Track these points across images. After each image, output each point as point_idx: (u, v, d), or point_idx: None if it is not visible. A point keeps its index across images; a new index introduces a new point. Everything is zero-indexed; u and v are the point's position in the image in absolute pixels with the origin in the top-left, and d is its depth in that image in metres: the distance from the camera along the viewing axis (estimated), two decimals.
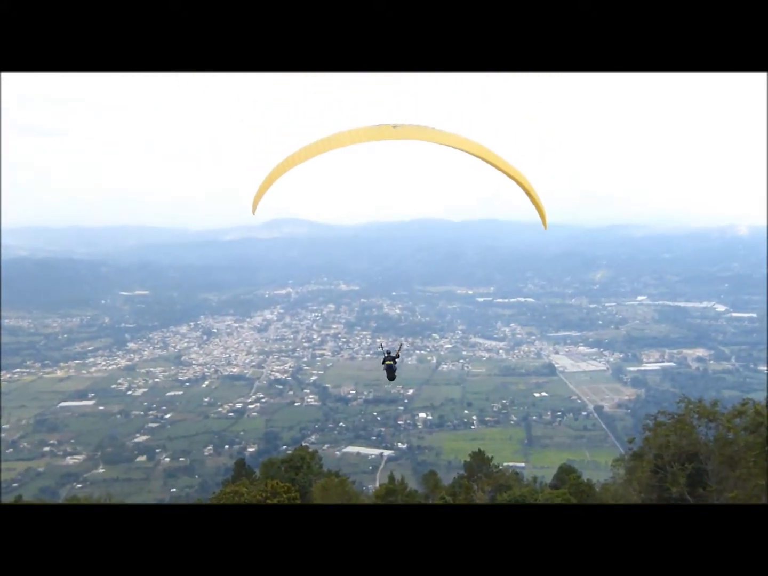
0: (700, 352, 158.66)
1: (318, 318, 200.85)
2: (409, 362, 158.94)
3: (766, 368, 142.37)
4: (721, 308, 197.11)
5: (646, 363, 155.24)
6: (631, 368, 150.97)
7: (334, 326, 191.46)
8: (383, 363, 19.66)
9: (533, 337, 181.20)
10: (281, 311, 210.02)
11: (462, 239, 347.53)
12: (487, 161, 14.47)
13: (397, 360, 19.79)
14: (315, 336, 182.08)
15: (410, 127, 13.30)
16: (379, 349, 20.31)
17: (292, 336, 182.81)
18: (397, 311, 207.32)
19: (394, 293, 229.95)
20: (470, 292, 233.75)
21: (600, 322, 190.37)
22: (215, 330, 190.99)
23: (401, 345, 21.76)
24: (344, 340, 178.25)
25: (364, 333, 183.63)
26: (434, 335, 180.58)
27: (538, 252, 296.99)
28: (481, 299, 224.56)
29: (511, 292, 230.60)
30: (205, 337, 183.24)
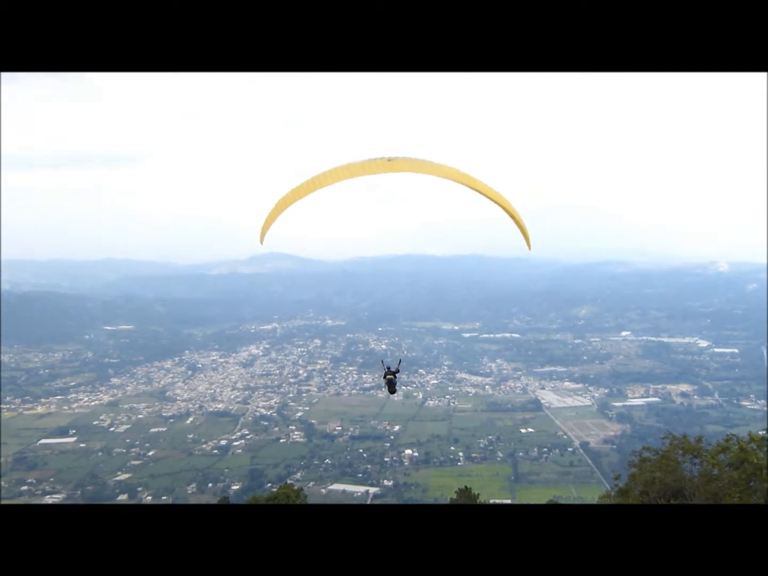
0: (684, 387, 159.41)
1: (304, 353, 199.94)
2: (395, 398, 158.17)
3: (748, 404, 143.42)
4: (703, 344, 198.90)
5: (631, 398, 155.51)
6: (617, 403, 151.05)
7: (320, 362, 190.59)
8: (384, 377, 20.03)
9: (519, 372, 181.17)
10: (267, 346, 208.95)
11: (448, 275, 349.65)
12: (476, 189, 14.84)
13: (397, 374, 20.18)
14: (301, 371, 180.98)
15: (404, 159, 13.72)
16: (383, 366, 20.80)
17: (277, 371, 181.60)
18: (383, 347, 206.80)
19: (380, 328, 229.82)
20: (456, 328, 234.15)
21: (585, 358, 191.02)
22: (200, 365, 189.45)
23: (400, 361, 22.12)
24: (330, 375, 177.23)
25: (351, 368, 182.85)
26: (420, 371, 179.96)
27: (523, 288, 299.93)
28: (467, 335, 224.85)
29: (496, 328, 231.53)
30: (189, 373, 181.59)
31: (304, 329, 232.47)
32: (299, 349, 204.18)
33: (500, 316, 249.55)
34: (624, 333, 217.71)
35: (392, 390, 20.90)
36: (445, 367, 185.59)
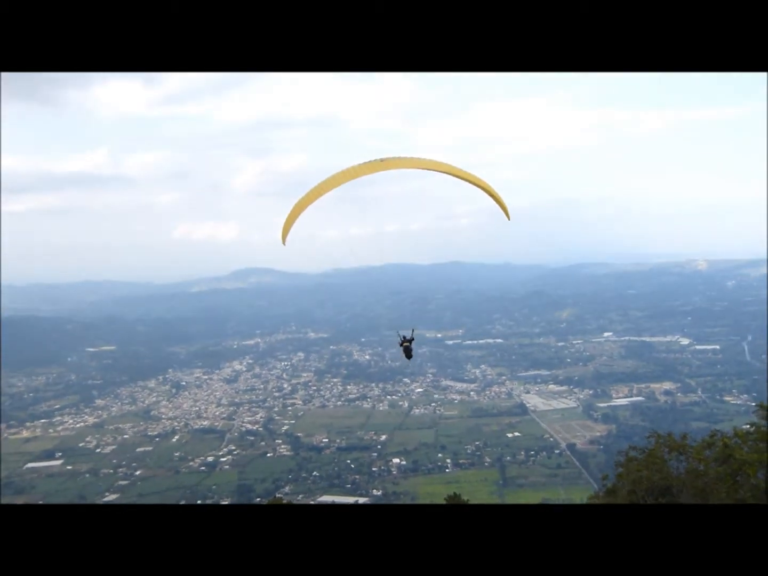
0: (668, 385, 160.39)
1: (287, 367, 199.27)
2: (380, 408, 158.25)
3: (731, 399, 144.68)
4: (685, 341, 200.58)
5: (616, 398, 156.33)
6: (601, 404, 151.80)
7: (305, 375, 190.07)
8: (401, 345, 22.81)
9: (503, 377, 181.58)
10: (250, 361, 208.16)
11: (429, 283, 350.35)
12: (462, 178, 15.97)
13: (412, 342, 22.82)
14: (285, 385, 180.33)
15: (394, 158, 14.69)
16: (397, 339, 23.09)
17: (262, 386, 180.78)
18: (367, 357, 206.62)
19: (363, 339, 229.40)
20: (439, 336, 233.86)
21: (568, 360, 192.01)
22: (184, 383, 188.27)
23: (413, 330, 23.72)
24: (315, 388, 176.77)
25: (335, 380, 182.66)
26: (405, 380, 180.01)
27: (504, 293, 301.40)
28: (450, 342, 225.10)
29: (479, 334, 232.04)
30: (174, 391, 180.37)
31: (287, 343, 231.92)
32: (283, 363, 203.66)
33: (483, 323, 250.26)
34: (606, 334, 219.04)
35: (409, 356, 22.91)
36: (430, 375, 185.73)
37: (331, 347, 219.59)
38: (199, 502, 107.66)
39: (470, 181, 16.30)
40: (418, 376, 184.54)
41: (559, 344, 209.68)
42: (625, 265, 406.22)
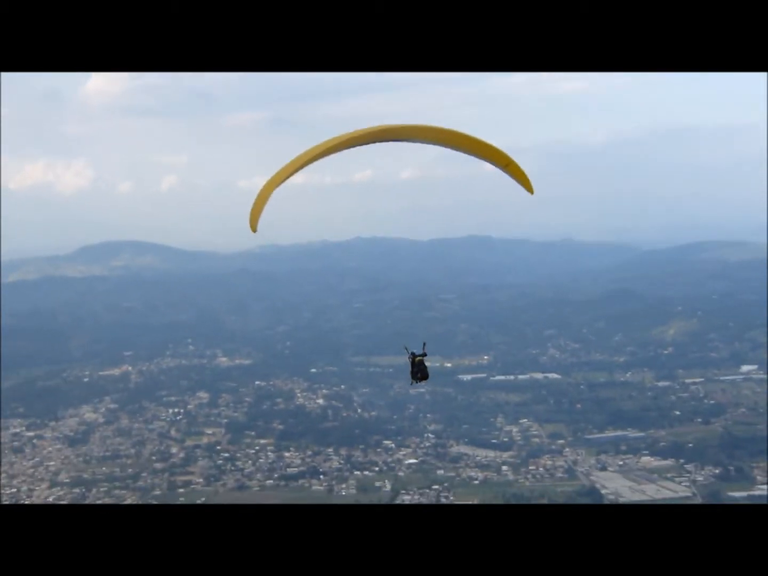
0: None
1: (179, 417, 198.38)
2: (343, 493, 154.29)
3: None
4: None
5: (762, 484, 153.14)
6: (737, 493, 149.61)
7: (209, 431, 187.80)
8: (412, 364, 27.29)
9: (560, 441, 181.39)
10: (113, 406, 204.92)
11: (432, 273, 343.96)
12: (460, 145, 18.62)
13: (425, 357, 27.14)
14: (174, 449, 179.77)
15: (388, 126, 17.21)
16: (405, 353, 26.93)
17: (133, 450, 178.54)
18: (320, 401, 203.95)
19: (313, 369, 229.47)
20: (448, 365, 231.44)
21: (677, 413, 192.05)
22: None
23: (425, 344, 28.34)
24: (227, 455, 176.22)
25: (263, 441, 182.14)
26: (387, 442, 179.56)
27: (564, 293, 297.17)
28: (468, 377, 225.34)
29: (519, 365, 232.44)
30: None
31: (180, 374, 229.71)
32: (171, 410, 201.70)
33: (526, 344, 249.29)
34: (746, 368, 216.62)
35: (425, 375, 27.95)
36: (431, 436, 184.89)
37: (258, 383, 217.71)
38: None
39: (483, 153, 18.56)
40: (410, 436, 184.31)
41: (661, 385, 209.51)
42: None
